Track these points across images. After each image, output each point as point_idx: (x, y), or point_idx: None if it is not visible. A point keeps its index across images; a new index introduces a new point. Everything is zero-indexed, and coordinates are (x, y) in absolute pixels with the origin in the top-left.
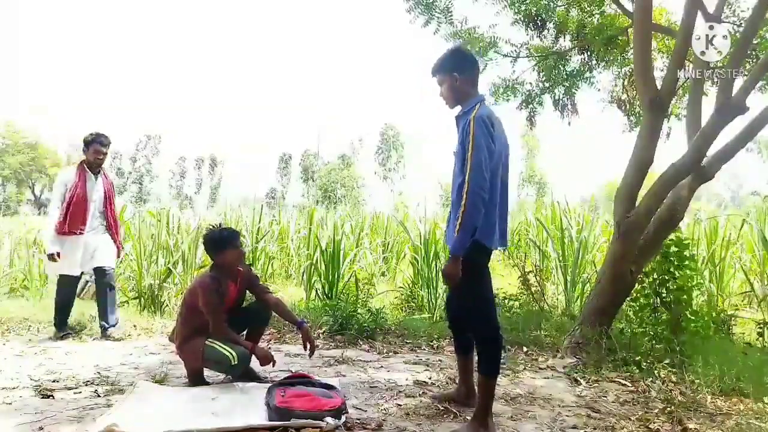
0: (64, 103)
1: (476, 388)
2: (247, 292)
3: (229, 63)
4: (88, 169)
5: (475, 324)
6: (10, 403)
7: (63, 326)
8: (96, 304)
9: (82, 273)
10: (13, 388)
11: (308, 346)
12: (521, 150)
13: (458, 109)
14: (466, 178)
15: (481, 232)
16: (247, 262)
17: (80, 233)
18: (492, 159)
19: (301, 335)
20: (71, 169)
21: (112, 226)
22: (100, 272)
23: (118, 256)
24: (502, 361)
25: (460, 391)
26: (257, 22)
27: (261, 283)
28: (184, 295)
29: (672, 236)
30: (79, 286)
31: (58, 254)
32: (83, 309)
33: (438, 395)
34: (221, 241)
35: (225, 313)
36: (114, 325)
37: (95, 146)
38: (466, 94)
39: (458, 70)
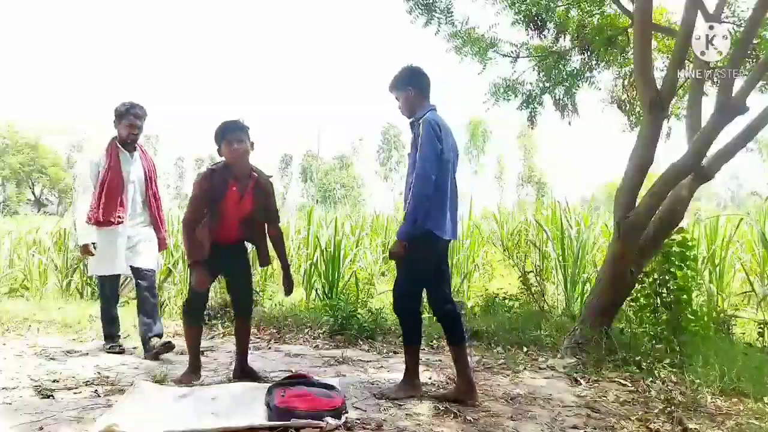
0: (63, 102)
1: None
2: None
3: (230, 63)
4: (121, 147)
5: (397, 296)
6: (10, 403)
7: (109, 338)
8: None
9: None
10: (13, 388)
11: (287, 285)
12: (520, 150)
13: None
14: (416, 172)
15: (434, 222)
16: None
17: (119, 222)
18: (441, 157)
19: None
20: (100, 149)
21: (156, 216)
22: (137, 273)
23: (160, 250)
24: (502, 360)
25: (459, 388)
26: (257, 22)
27: (275, 211)
28: None
29: (676, 237)
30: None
31: (94, 245)
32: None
33: (439, 395)
34: (216, 134)
35: (219, 214)
36: (159, 335)
37: (129, 119)
38: (419, 105)
39: (412, 84)
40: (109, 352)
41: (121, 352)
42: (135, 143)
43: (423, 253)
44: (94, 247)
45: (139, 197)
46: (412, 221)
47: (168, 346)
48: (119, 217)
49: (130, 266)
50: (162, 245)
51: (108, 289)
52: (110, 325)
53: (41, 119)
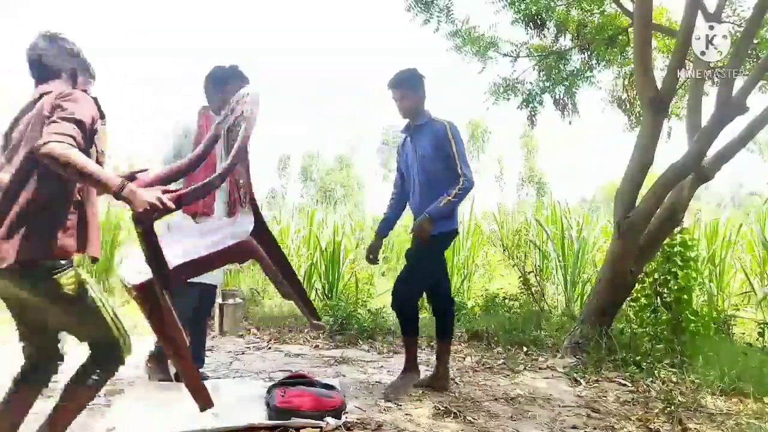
0: None
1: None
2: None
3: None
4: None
5: (406, 287)
6: None
7: (152, 359)
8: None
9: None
10: None
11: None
12: (520, 150)
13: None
14: (461, 170)
15: (455, 219)
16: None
17: (204, 214)
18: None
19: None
20: (189, 114)
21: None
22: (202, 289)
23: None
24: (502, 360)
25: (436, 376)
26: (257, 22)
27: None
28: None
29: (678, 237)
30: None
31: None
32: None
33: (416, 382)
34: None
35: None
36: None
37: (234, 84)
38: (423, 109)
39: (422, 90)
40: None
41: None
42: None
43: (443, 249)
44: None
45: (237, 188)
46: (449, 210)
47: None
48: (205, 208)
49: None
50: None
51: (182, 301)
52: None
53: None
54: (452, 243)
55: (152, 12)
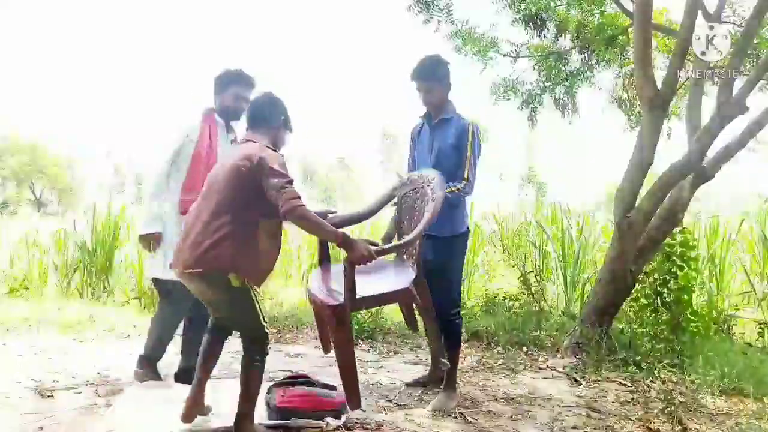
0: (63, 102)
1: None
2: None
3: (230, 62)
4: (221, 120)
5: (454, 298)
6: (10, 403)
7: (142, 361)
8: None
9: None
10: (14, 389)
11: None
12: (520, 150)
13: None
14: (467, 174)
15: (466, 220)
16: None
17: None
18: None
19: None
20: (194, 118)
21: None
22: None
23: None
24: (502, 360)
25: (433, 374)
26: (257, 22)
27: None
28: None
29: (679, 237)
30: None
31: (156, 238)
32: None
33: (411, 382)
34: (277, 116)
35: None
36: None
37: (236, 88)
38: (448, 102)
39: (448, 80)
40: (143, 381)
41: (149, 378)
42: (237, 119)
43: (465, 248)
44: (156, 242)
45: None
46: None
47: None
48: None
49: None
50: None
51: (171, 304)
52: (155, 348)
53: (42, 120)
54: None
55: (152, 12)
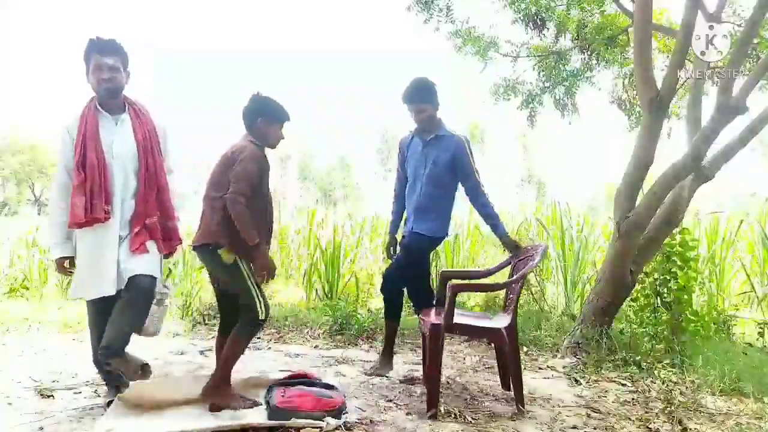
0: (63, 102)
1: None
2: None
3: (229, 62)
4: (100, 108)
5: (400, 272)
6: (10, 403)
7: (108, 377)
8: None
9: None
10: (14, 389)
11: None
12: (520, 150)
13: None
14: (479, 183)
15: (447, 227)
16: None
17: (105, 219)
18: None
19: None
20: (72, 115)
21: (160, 201)
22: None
23: (168, 256)
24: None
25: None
26: (256, 21)
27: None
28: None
29: (678, 237)
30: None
31: (71, 261)
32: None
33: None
34: (258, 113)
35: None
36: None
37: (95, 58)
38: (437, 118)
39: (436, 99)
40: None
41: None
42: (116, 98)
43: (431, 251)
44: (71, 264)
45: (132, 178)
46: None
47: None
48: (103, 209)
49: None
50: (175, 239)
51: (98, 320)
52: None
53: (42, 120)
54: (452, 244)
55: (152, 12)
